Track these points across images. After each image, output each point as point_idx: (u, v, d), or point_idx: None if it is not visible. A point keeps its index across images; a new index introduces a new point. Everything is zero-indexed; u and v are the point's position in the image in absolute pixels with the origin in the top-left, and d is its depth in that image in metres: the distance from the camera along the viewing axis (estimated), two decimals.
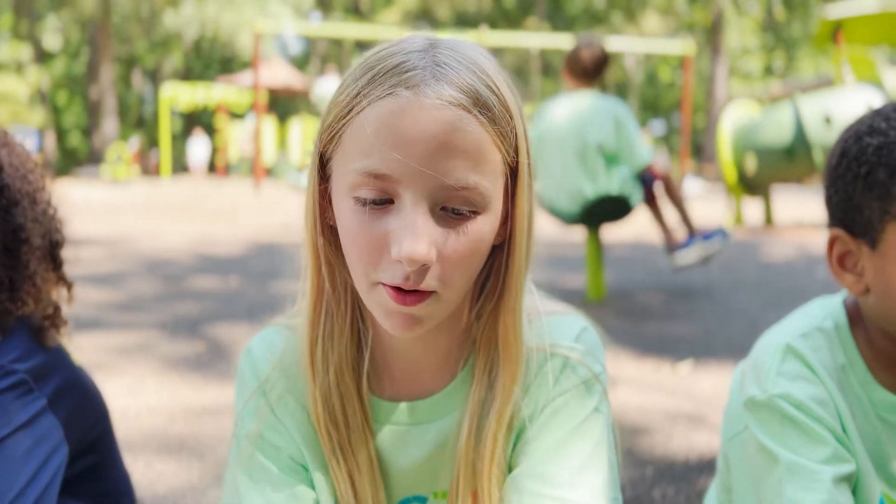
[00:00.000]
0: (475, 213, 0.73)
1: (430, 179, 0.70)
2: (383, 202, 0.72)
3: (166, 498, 1.73)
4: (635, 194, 3.81)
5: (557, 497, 0.78)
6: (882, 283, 0.93)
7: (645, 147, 3.82)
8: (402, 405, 0.87)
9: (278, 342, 0.89)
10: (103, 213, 8.89)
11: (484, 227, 0.75)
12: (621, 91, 24.07)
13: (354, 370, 0.85)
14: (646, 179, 3.83)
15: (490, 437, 0.83)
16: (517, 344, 0.82)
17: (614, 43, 14.37)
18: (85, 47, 26.54)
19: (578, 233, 4.15)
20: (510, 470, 0.85)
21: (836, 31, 7.49)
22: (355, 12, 30.19)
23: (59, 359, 1.13)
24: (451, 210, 0.73)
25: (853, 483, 0.94)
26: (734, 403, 1.07)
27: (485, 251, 0.77)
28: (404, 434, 0.87)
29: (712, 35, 24.08)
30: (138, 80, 32.10)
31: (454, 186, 0.71)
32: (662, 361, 2.91)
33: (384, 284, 0.73)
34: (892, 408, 0.97)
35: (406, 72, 0.72)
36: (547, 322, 0.87)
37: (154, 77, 30.86)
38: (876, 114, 0.96)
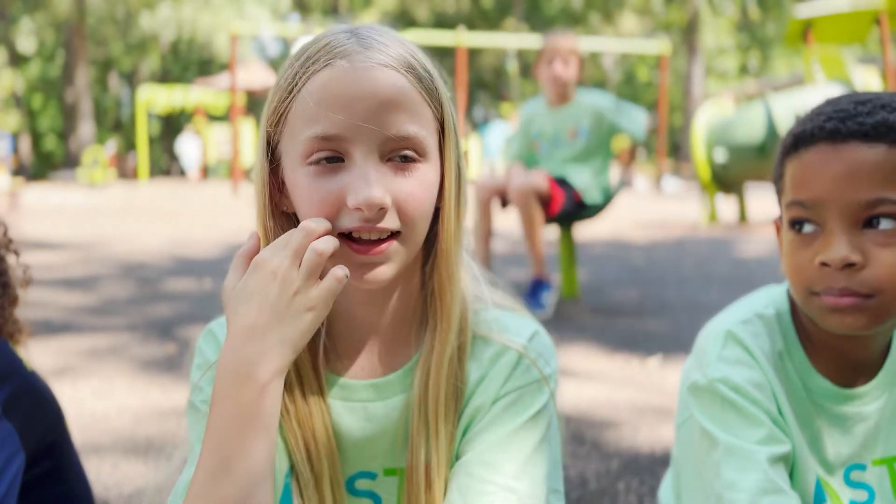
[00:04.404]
0: (418, 160, 0.81)
1: (375, 133, 0.78)
2: (334, 160, 0.79)
3: (132, 498, 1.73)
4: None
5: (503, 485, 0.82)
6: (783, 260, 0.99)
7: (509, 153, 3.93)
8: (359, 383, 0.89)
9: None
10: (78, 218, 8.81)
11: (428, 173, 0.82)
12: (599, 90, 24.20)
13: (310, 344, 0.88)
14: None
15: (433, 385, 0.86)
16: (452, 290, 0.87)
17: (591, 43, 14.46)
18: (60, 50, 26.26)
19: (552, 231, 4.17)
20: (458, 458, 0.87)
21: (806, 30, 7.59)
22: (334, 14, 30.12)
23: (12, 365, 1.12)
24: (397, 158, 0.80)
25: (790, 464, 0.96)
26: (683, 391, 1.09)
27: (433, 197, 0.83)
28: (359, 410, 0.89)
29: (688, 35, 24.30)
30: (115, 83, 31.81)
31: (397, 137, 0.79)
32: (632, 357, 2.94)
33: (344, 240, 0.79)
34: (827, 394, 0.99)
35: (337, 47, 0.80)
36: (499, 316, 0.92)
37: (131, 80, 30.59)
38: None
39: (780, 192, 0.98)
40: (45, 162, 29.33)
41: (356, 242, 0.79)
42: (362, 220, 0.77)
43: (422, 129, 0.81)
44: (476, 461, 0.84)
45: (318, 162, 0.78)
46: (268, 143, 0.84)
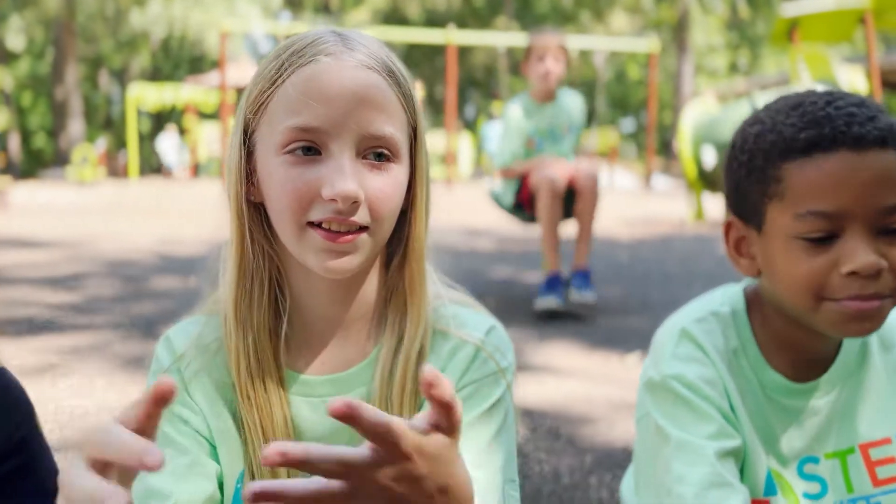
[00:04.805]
0: (392, 160, 0.84)
1: (353, 129, 0.81)
2: (312, 152, 0.81)
3: None
4: (504, 198, 3.95)
5: None
6: (769, 264, 0.97)
7: (501, 151, 3.91)
8: (319, 378, 0.91)
9: (194, 327, 0.94)
10: (67, 216, 8.79)
11: (399, 174, 0.85)
12: (590, 89, 24.22)
13: (272, 336, 0.90)
14: (517, 189, 3.85)
15: (399, 380, 0.88)
16: (422, 289, 0.90)
17: (581, 41, 14.49)
18: (49, 47, 26.11)
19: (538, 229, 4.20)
20: None
21: (792, 28, 7.62)
22: (325, 11, 30.06)
23: None
24: (371, 156, 0.83)
25: (740, 458, 0.99)
26: (641, 388, 1.11)
27: (401, 197, 0.86)
28: (319, 406, 0.90)
29: (678, 33, 24.36)
30: (105, 81, 31.66)
31: (374, 135, 0.82)
32: (612, 353, 2.97)
33: (314, 228, 0.81)
34: (780, 388, 1.01)
35: (322, 44, 0.83)
36: (457, 312, 0.94)
37: (122, 77, 30.45)
38: (764, 106, 1.01)
39: (768, 197, 0.94)
40: (35, 160, 29.18)
41: (325, 231, 0.81)
42: (335, 211, 0.80)
43: (397, 130, 0.84)
44: None
45: (294, 151, 0.81)
46: (244, 132, 0.86)
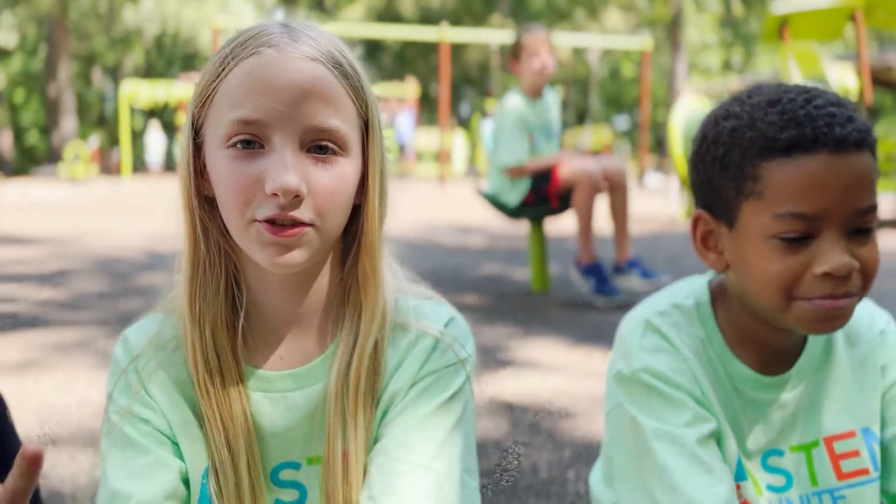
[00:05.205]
0: (338, 154, 0.83)
1: (297, 122, 0.80)
2: (255, 145, 0.80)
3: (87, 489, 1.75)
4: (508, 196, 3.83)
5: (420, 464, 0.84)
6: (739, 261, 0.97)
7: (512, 148, 3.76)
8: (278, 374, 0.90)
9: (153, 325, 0.93)
10: (57, 213, 8.77)
11: (347, 169, 0.84)
12: (584, 86, 24.25)
13: (229, 331, 0.89)
14: (536, 183, 3.78)
15: (354, 373, 0.87)
16: (376, 284, 0.89)
17: (573, 39, 14.49)
18: (42, 44, 26.04)
19: (526, 226, 4.21)
20: (376, 442, 0.89)
21: (782, 26, 7.65)
22: (319, 8, 30.00)
23: None
24: (316, 149, 0.81)
25: (717, 437, 0.99)
26: (610, 381, 1.11)
27: (350, 192, 0.85)
28: (279, 400, 0.90)
29: (672, 31, 24.38)
30: (98, 78, 31.57)
31: (318, 128, 0.80)
32: (595, 349, 2.98)
33: (259, 221, 0.80)
34: (746, 380, 1.01)
35: (267, 36, 0.82)
36: (417, 305, 0.94)
37: (115, 74, 30.37)
38: (734, 98, 0.99)
39: (744, 195, 0.93)
40: (28, 157, 29.09)
41: (270, 224, 0.80)
42: (278, 207, 0.79)
43: (344, 123, 0.82)
44: (394, 443, 0.86)
45: (236, 145, 0.80)
46: (193, 125, 0.85)
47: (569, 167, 3.66)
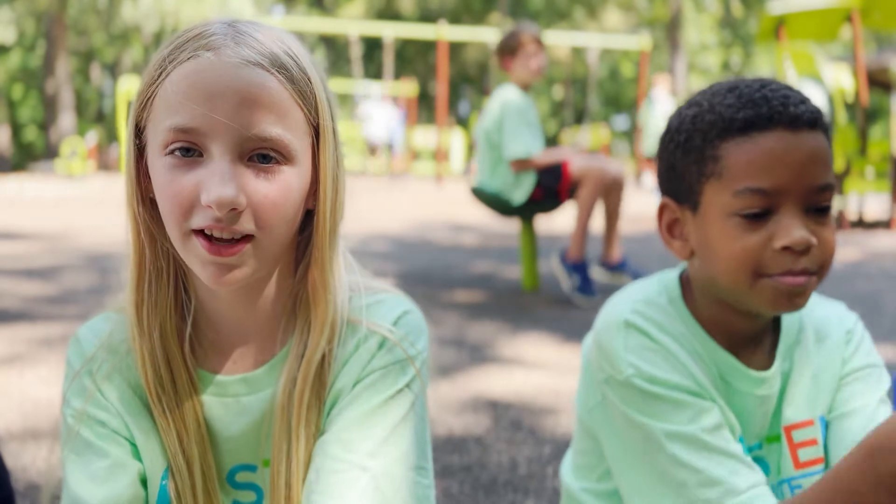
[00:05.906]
0: (282, 163, 0.79)
1: (235, 131, 0.76)
2: (192, 154, 0.77)
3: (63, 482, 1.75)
4: (517, 192, 3.77)
5: (356, 463, 0.83)
6: (704, 244, 0.98)
7: (520, 140, 3.66)
8: (230, 378, 0.90)
9: (105, 326, 0.91)
10: (52, 209, 8.77)
11: (292, 178, 0.80)
12: (583, 86, 24.24)
13: (178, 337, 0.88)
14: (545, 178, 3.73)
15: (300, 384, 0.86)
16: (325, 297, 0.87)
17: (571, 38, 14.49)
18: (41, 40, 26.00)
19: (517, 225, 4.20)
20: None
21: (778, 26, 7.65)
22: (318, 6, 29.98)
23: None
24: (259, 158, 0.78)
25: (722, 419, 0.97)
26: (588, 375, 1.10)
27: (296, 202, 0.82)
28: (233, 404, 0.89)
29: (671, 31, 24.37)
30: (97, 74, 31.53)
31: (259, 137, 0.77)
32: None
33: (197, 235, 0.77)
34: (732, 370, 1.00)
35: (207, 37, 0.78)
36: (370, 302, 0.92)
37: (114, 71, 30.32)
38: (699, 91, 1.02)
39: (705, 176, 0.95)
40: (26, 153, 29.08)
41: (210, 241, 0.77)
42: (215, 219, 0.75)
43: (288, 131, 0.79)
44: (333, 440, 0.85)
45: (174, 153, 0.77)
46: (136, 127, 0.83)
47: (580, 162, 3.67)
